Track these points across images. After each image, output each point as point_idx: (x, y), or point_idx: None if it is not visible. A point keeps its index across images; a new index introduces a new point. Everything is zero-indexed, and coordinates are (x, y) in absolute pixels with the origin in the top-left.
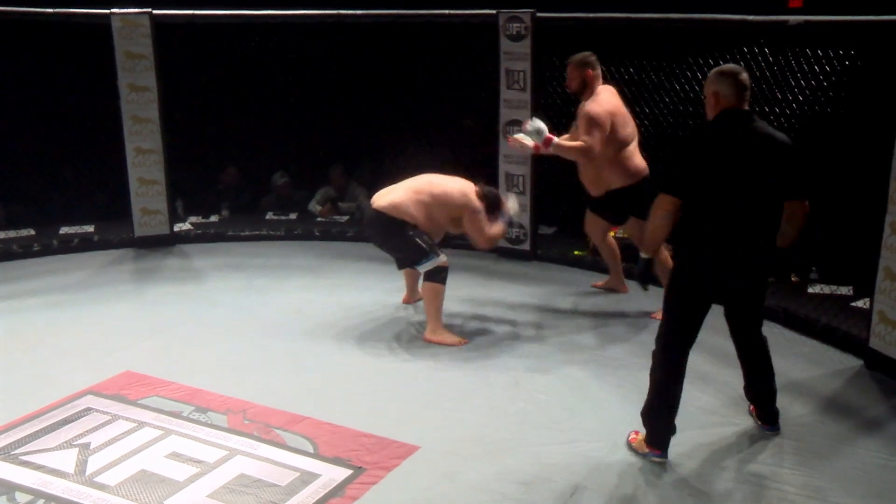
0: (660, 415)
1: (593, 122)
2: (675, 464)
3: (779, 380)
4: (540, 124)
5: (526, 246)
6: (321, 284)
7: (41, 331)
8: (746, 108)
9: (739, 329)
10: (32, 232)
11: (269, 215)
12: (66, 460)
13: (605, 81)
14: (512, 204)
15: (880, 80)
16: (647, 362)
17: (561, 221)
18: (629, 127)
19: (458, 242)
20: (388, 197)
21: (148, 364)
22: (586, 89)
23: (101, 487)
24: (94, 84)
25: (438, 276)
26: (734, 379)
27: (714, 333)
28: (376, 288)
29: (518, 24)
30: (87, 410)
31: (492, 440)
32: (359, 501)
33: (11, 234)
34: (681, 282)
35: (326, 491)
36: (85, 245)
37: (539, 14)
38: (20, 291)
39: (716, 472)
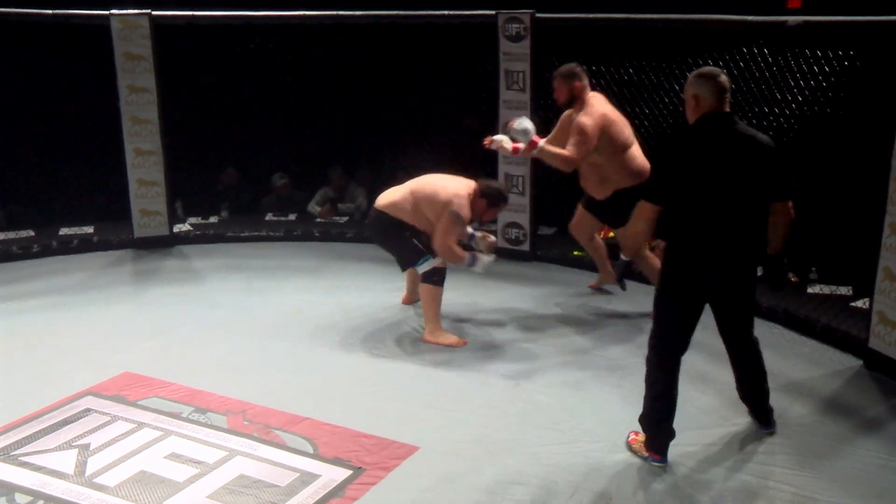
0: (658, 420)
1: (583, 135)
2: (675, 464)
3: (779, 380)
4: (528, 125)
5: (525, 246)
6: (321, 285)
7: (41, 331)
8: (728, 109)
9: (729, 331)
10: (32, 233)
11: (269, 216)
12: (66, 461)
13: (605, 82)
14: (487, 258)
15: (880, 81)
16: None
17: (561, 222)
18: (627, 130)
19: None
20: (389, 197)
21: (147, 365)
22: (576, 100)
23: (101, 488)
24: (93, 85)
25: (435, 278)
26: (733, 379)
27: (713, 334)
28: (376, 289)
29: (517, 25)
30: (87, 411)
31: (492, 441)
32: (358, 502)
33: (11, 234)
34: (669, 284)
35: (326, 491)
36: (84, 246)
37: (538, 15)
38: (20, 292)
39: (715, 472)
